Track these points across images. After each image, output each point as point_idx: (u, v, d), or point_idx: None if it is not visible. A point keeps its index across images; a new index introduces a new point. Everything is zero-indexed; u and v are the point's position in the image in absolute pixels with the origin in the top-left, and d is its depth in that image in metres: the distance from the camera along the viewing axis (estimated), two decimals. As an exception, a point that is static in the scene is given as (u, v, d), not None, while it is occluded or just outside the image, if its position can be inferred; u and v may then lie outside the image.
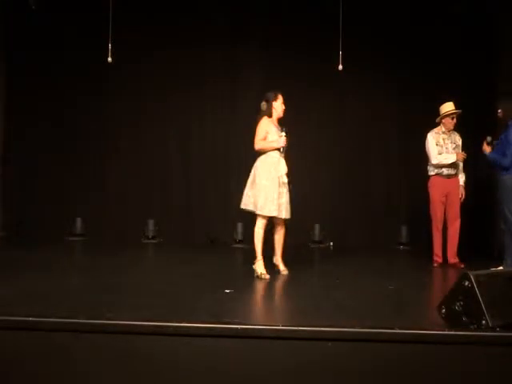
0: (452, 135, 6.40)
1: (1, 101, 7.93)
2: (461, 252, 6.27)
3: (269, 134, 5.39)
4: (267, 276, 5.23)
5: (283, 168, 5.37)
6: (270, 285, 5.04)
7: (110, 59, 6.10)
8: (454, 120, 6.38)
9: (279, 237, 5.49)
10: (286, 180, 5.36)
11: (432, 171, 6.40)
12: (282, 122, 5.52)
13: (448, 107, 6.38)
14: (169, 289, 4.73)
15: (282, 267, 5.49)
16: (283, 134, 5.34)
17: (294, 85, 7.20)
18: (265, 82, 7.36)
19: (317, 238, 7.85)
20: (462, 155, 6.30)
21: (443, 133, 6.39)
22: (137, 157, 7.94)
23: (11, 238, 7.61)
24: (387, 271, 6.08)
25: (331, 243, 7.79)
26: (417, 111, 7.55)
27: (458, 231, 6.32)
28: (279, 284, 5.19)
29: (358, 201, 7.81)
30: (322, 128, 7.87)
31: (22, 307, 3.77)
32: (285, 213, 5.36)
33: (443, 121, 6.39)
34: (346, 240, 7.67)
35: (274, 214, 5.28)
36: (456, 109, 6.34)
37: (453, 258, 6.27)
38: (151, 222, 7.87)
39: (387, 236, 7.74)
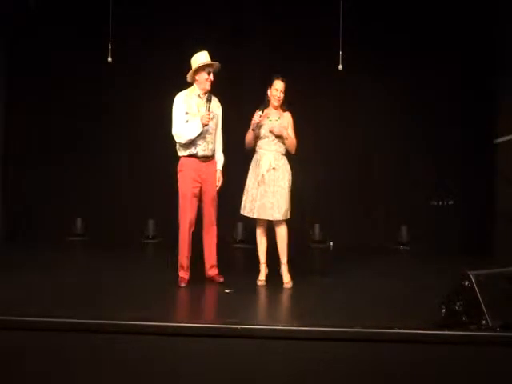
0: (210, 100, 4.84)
1: (1, 101, 7.92)
2: (460, 251, 6.24)
3: None
4: (259, 283, 4.98)
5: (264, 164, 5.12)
6: (269, 285, 5.03)
7: (109, 59, 6.09)
8: (211, 77, 4.84)
9: (277, 240, 5.02)
10: (260, 178, 5.05)
11: (183, 150, 4.90)
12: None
13: (201, 58, 4.80)
14: (169, 289, 4.73)
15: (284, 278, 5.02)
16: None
17: (293, 84, 7.18)
18: (264, 81, 7.34)
19: (317, 238, 7.84)
20: (207, 117, 4.72)
21: (198, 96, 4.87)
22: (137, 157, 7.92)
23: (11, 238, 7.61)
24: (387, 271, 6.07)
25: (331, 243, 7.78)
26: (417, 111, 7.54)
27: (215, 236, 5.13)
28: (279, 284, 5.18)
29: (357, 201, 7.79)
30: (321, 128, 7.85)
31: (22, 307, 3.77)
32: (270, 213, 4.90)
33: (197, 78, 4.83)
34: (346, 240, 7.66)
35: (249, 214, 5.02)
36: (212, 61, 4.79)
37: (212, 270, 5.14)
38: (151, 222, 7.87)
39: (387, 236, 7.73)
